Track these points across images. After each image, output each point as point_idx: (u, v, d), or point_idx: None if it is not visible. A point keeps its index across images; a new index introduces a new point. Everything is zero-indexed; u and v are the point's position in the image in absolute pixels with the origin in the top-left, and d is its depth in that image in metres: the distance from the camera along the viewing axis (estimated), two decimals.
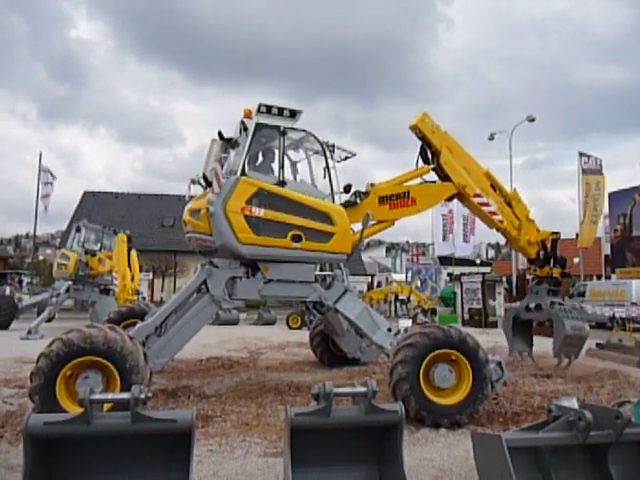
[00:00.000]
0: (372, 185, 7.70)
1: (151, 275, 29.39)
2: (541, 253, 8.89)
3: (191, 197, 7.52)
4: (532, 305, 9.09)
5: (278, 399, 6.91)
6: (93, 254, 18.48)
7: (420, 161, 8.14)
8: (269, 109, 7.06)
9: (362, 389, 3.48)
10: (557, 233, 9.10)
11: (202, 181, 7.15)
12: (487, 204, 8.18)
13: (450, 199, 8.35)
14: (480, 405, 5.79)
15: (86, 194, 40.02)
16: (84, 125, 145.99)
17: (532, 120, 29.98)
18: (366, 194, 7.57)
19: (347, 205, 7.40)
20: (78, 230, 19.21)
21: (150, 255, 31.09)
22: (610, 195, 21.73)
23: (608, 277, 27.31)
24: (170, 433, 3.27)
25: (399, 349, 5.90)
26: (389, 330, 7.25)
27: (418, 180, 8.05)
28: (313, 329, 10.18)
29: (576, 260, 31.37)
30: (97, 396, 3.21)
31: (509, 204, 8.58)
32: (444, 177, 8.04)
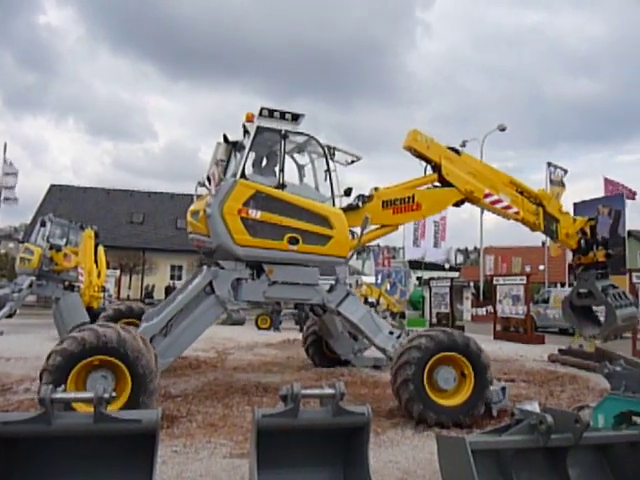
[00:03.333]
0: (376, 189, 7.68)
1: (118, 272, 28.90)
2: (582, 242, 8.64)
3: (198, 196, 7.61)
4: (582, 291, 8.85)
5: (245, 400, 6.87)
6: (58, 249, 18.04)
7: (429, 169, 8.00)
8: (271, 113, 7.13)
9: (330, 391, 3.48)
10: (593, 219, 8.95)
11: (207, 183, 7.19)
12: (500, 200, 8.00)
13: (459, 204, 8.12)
14: (482, 406, 5.93)
15: (53, 187, 39.09)
16: (51, 116, 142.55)
17: (503, 129, 30.57)
18: (369, 198, 7.54)
19: (349, 209, 7.40)
20: (43, 224, 18.74)
21: (118, 252, 30.59)
22: (575, 205, 22.33)
23: (571, 284, 28.02)
24: (134, 433, 3.22)
25: (404, 351, 5.99)
26: (391, 333, 7.40)
27: (425, 186, 7.95)
28: (307, 330, 10.24)
29: (541, 268, 32.12)
30: (58, 395, 3.13)
31: (540, 204, 8.36)
32: (450, 186, 7.90)
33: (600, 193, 25.03)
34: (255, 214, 6.72)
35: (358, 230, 7.44)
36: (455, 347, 5.99)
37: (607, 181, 25.69)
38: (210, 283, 6.87)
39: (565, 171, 26.99)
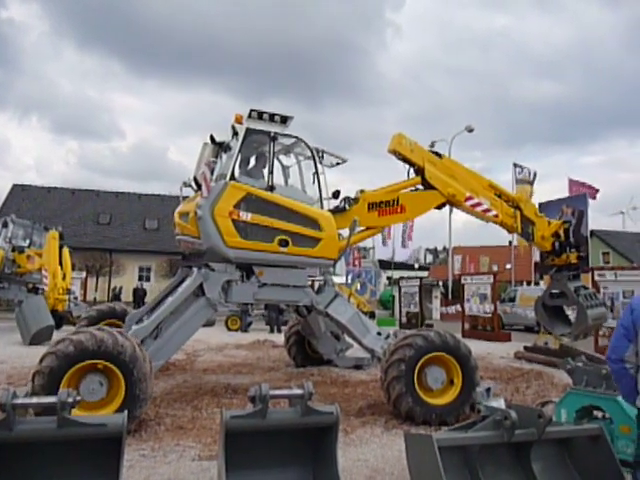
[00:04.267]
0: (362, 192, 7.77)
1: (84, 274, 28.27)
2: (556, 244, 8.86)
3: (185, 197, 7.58)
4: (555, 291, 8.99)
5: (214, 402, 6.82)
6: (21, 251, 17.61)
7: (412, 172, 8.08)
8: (260, 115, 7.16)
9: (298, 391, 3.49)
10: (567, 222, 9.20)
11: (193, 184, 7.19)
12: (480, 204, 8.18)
13: (440, 207, 8.25)
14: (467, 407, 6.01)
15: (15, 187, 37.97)
16: (14, 114, 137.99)
17: (470, 130, 31.01)
18: (355, 200, 7.63)
19: (336, 211, 7.48)
20: (5, 225, 18.25)
21: (84, 253, 29.92)
22: (540, 205, 22.83)
23: (537, 283, 28.66)
24: (99, 438, 3.16)
25: (397, 348, 6.07)
26: (379, 334, 7.53)
27: (409, 189, 8.05)
28: (289, 330, 10.26)
29: (508, 266, 32.75)
30: (20, 400, 3.05)
31: (517, 207, 8.57)
32: (432, 189, 8.02)
33: (565, 193, 25.65)
34: (246, 216, 6.77)
35: (345, 232, 7.51)
36: (446, 348, 6.10)
37: (572, 182, 26.35)
38: (200, 285, 6.86)
39: (534, 173, 27.58)
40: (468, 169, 8.48)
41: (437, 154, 8.22)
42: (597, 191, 26.60)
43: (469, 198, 8.09)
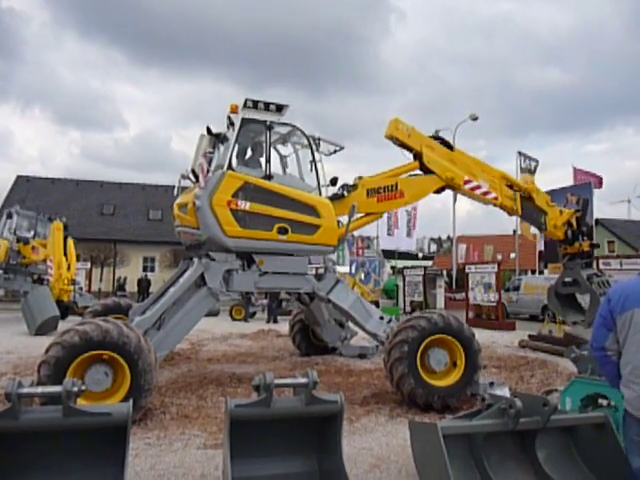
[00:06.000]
0: (360, 178, 7.77)
1: (89, 264, 28.34)
2: (569, 232, 8.93)
3: (184, 189, 7.59)
4: (568, 279, 9.05)
5: (219, 391, 6.86)
6: (26, 242, 17.66)
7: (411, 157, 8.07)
8: (255, 104, 7.16)
9: (303, 380, 3.49)
10: (579, 210, 9.28)
11: (191, 176, 7.22)
12: (479, 187, 8.17)
13: (440, 191, 8.27)
14: (469, 390, 6.06)
15: (19, 179, 38.00)
16: (17, 105, 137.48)
17: (475, 119, 30.78)
18: (354, 187, 7.63)
19: (335, 198, 7.48)
20: (9, 216, 18.30)
21: (88, 244, 29.99)
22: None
23: (541, 272, 28.54)
24: (105, 427, 3.17)
25: (400, 330, 6.13)
26: (381, 318, 7.61)
27: (407, 174, 8.05)
28: (293, 318, 10.32)
29: (512, 255, 32.67)
30: (25, 390, 3.06)
31: (529, 198, 8.61)
32: (431, 173, 8.02)
33: (569, 182, 25.45)
34: (244, 205, 6.78)
35: (344, 219, 7.52)
36: (449, 330, 6.13)
37: (576, 170, 26.15)
38: (201, 275, 6.88)
39: (536, 161, 27.41)
40: (472, 157, 8.44)
41: (442, 140, 8.20)
42: (601, 180, 26.41)
43: (468, 181, 8.09)
